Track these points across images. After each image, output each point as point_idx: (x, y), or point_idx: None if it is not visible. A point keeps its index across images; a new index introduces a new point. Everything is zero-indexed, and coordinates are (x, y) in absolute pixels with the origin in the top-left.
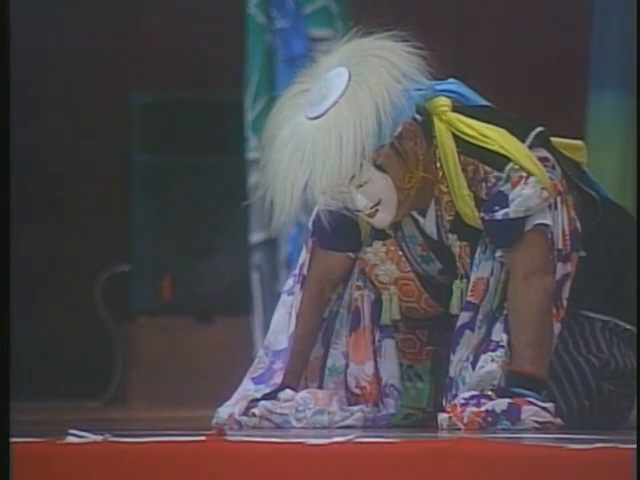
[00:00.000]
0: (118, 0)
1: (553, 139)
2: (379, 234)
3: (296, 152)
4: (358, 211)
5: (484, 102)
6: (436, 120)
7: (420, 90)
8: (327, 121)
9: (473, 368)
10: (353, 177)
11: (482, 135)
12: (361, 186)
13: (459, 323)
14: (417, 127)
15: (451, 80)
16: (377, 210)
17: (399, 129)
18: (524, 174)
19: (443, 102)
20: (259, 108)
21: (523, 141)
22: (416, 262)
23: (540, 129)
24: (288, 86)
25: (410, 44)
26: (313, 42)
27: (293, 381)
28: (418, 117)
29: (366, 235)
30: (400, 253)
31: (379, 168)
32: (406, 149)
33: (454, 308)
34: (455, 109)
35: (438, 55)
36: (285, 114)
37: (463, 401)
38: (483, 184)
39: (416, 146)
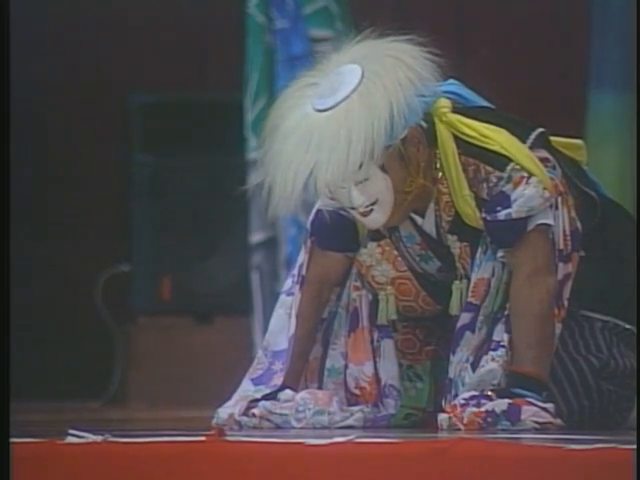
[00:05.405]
0: None
1: (553, 138)
2: (374, 235)
3: (301, 142)
4: (353, 208)
5: (484, 103)
6: (437, 121)
7: (427, 97)
8: (337, 114)
9: (473, 369)
10: (359, 170)
11: (483, 136)
12: (360, 183)
13: (459, 324)
14: (421, 133)
15: (451, 81)
16: (372, 210)
17: (405, 133)
18: (525, 174)
19: (444, 103)
20: (259, 108)
21: (524, 142)
22: (414, 261)
23: (541, 130)
24: (296, 79)
25: (427, 50)
26: (313, 42)
27: (293, 382)
28: (423, 124)
29: (364, 235)
30: (396, 253)
31: (381, 168)
32: (409, 154)
33: (454, 309)
34: (455, 110)
35: (438, 54)
36: (290, 105)
37: (463, 401)
38: (484, 184)
39: (418, 152)
